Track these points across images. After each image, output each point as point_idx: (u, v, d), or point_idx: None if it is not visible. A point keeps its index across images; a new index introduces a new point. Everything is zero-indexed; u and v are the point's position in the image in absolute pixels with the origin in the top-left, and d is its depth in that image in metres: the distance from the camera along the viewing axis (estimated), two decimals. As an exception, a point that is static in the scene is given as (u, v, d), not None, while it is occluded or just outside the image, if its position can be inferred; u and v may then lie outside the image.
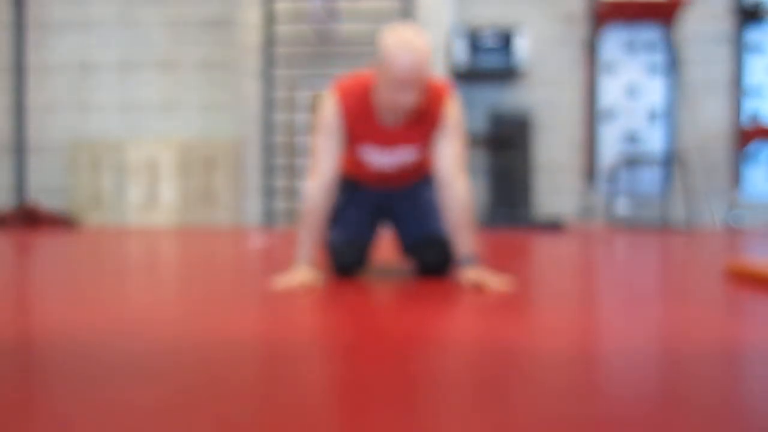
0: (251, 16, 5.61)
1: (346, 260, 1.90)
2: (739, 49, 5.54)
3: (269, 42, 5.52)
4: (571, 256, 2.68)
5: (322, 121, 1.77)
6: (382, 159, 1.84)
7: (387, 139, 1.79)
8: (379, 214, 2.04)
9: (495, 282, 1.65)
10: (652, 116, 5.59)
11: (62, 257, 2.58)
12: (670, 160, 5.53)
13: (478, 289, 1.64)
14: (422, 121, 1.77)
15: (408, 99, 1.64)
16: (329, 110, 1.76)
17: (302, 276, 1.68)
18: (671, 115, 5.56)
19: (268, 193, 5.58)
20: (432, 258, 1.90)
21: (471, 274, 1.69)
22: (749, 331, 1.13)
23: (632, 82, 5.59)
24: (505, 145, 5.34)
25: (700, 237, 4.13)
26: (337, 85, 1.80)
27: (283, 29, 5.61)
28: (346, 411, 0.70)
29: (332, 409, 0.70)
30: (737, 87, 5.56)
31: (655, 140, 5.60)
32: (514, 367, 0.89)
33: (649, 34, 5.57)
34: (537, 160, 5.70)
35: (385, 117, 1.74)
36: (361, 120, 1.76)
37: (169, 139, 5.87)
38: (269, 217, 5.59)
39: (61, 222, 5.58)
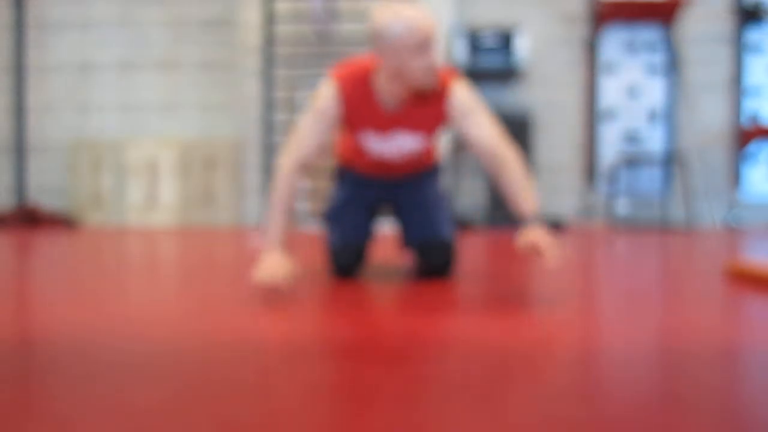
0: (251, 16, 5.61)
1: (345, 263, 1.90)
2: (739, 49, 5.54)
3: (269, 42, 5.52)
4: (571, 256, 2.68)
5: (317, 105, 1.70)
6: (381, 146, 1.80)
7: (386, 124, 1.74)
8: (381, 205, 2.02)
9: (552, 249, 1.51)
10: (652, 116, 5.59)
11: (62, 257, 2.58)
12: (670, 160, 5.53)
13: (536, 252, 1.52)
14: (425, 106, 1.72)
15: (434, 58, 1.58)
16: (327, 96, 1.70)
17: (279, 267, 1.54)
18: (671, 115, 5.56)
19: (268, 193, 5.59)
20: (436, 260, 1.89)
21: (531, 235, 1.54)
22: (749, 331, 1.13)
23: (632, 82, 5.59)
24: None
25: (700, 237, 4.14)
26: (336, 71, 1.74)
27: (283, 29, 5.61)
28: (346, 411, 0.70)
29: (332, 410, 0.70)
30: (737, 87, 5.56)
31: (655, 140, 5.59)
32: (514, 367, 0.89)
33: (649, 34, 5.57)
34: (537, 160, 5.70)
35: (387, 101, 1.69)
36: (362, 105, 1.71)
37: (169, 139, 5.87)
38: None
39: (61, 222, 5.58)
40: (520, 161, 1.65)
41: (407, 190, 1.98)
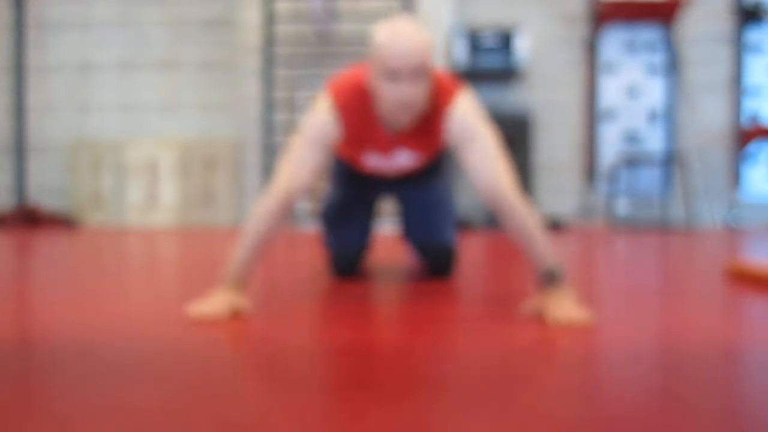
0: (251, 16, 5.61)
1: (345, 267, 1.89)
2: (739, 49, 5.54)
3: (269, 42, 5.52)
4: (571, 256, 2.68)
5: (312, 127, 1.48)
6: (379, 162, 1.66)
7: (386, 145, 1.58)
8: (381, 200, 1.94)
9: (577, 317, 1.22)
10: (652, 116, 5.59)
11: (62, 257, 2.58)
12: (670, 160, 5.53)
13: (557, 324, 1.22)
14: (426, 127, 1.53)
15: (408, 93, 1.37)
16: (324, 120, 1.48)
17: (220, 307, 1.30)
18: (671, 115, 5.56)
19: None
20: (436, 261, 1.89)
21: (553, 308, 1.25)
22: (749, 331, 1.13)
23: (632, 82, 5.58)
24: (505, 145, 5.34)
25: (700, 237, 4.13)
26: (333, 88, 1.52)
27: (283, 29, 5.61)
28: (345, 411, 0.70)
29: (332, 410, 0.70)
30: (737, 87, 5.56)
31: (655, 140, 5.59)
32: (515, 367, 0.89)
33: (649, 34, 5.57)
34: (537, 160, 5.70)
35: (388, 123, 1.50)
36: (362, 128, 1.53)
37: (169, 139, 5.87)
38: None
39: (61, 222, 5.58)
40: (526, 205, 1.38)
41: (409, 186, 1.88)
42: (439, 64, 5.35)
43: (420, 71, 1.37)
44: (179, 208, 5.74)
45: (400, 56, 1.34)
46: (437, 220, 1.88)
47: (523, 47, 5.26)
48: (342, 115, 1.50)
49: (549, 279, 1.31)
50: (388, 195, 1.94)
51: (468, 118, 1.47)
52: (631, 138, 5.60)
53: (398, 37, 1.35)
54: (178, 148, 5.74)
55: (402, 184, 1.90)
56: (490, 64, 5.26)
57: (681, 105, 5.60)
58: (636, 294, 1.59)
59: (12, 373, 0.85)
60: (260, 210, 1.40)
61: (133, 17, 6.10)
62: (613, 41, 5.59)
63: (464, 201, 5.66)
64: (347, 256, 1.88)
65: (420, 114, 1.48)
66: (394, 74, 1.36)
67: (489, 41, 5.25)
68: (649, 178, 5.61)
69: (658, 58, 5.56)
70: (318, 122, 1.48)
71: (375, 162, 1.66)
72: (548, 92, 5.69)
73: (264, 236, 1.39)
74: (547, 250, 1.34)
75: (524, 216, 1.36)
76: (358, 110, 1.51)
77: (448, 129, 1.49)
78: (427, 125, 1.53)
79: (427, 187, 1.89)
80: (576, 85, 5.67)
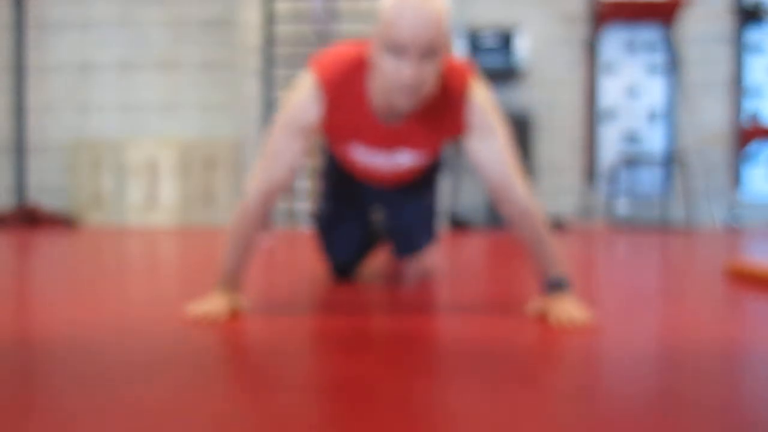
0: (251, 16, 5.62)
1: (342, 271, 1.87)
2: (739, 49, 5.54)
3: (269, 42, 5.52)
4: (571, 256, 2.68)
5: (290, 109, 1.31)
6: (372, 160, 1.46)
7: (383, 140, 1.38)
8: (375, 206, 1.86)
9: (578, 317, 1.22)
10: (652, 116, 5.59)
11: (62, 257, 2.58)
12: (670, 160, 5.53)
13: (559, 324, 1.21)
14: (435, 119, 1.34)
15: (413, 73, 1.15)
16: (304, 97, 1.30)
17: (219, 306, 1.29)
18: (671, 115, 5.56)
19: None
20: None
21: (551, 309, 1.26)
22: (749, 331, 1.13)
23: (632, 82, 5.58)
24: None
25: (700, 237, 4.13)
26: (318, 63, 1.32)
27: (283, 29, 5.61)
28: (344, 411, 0.70)
29: (331, 409, 0.70)
30: (737, 87, 5.56)
31: (655, 140, 5.59)
32: (514, 367, 0.89)
33: (649, 34, 5.57)
34: (537, 160, 5.70)
35: (385, 111, 1.31)
36: (351, 111, 1.32)
37: (169, 139, 5.87)
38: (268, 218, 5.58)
39: (61, 222, 5.58)
40: (532, 204, 1.32)
41: (401, 197, 1.78)
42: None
43: (431, 49, 1.14)
44: (179, 208, 5.74)
45: (409, 27, 1.12)
46: (419, 233, 1.88)
47: (523, 47, 5.26)
48: (326, 93, 1.29)
49: (555, 288, 1.30)
50: (379, 205, 1.84)
51: (487, 110, 1.32)
52: (631, 138, 5.60)
53: (409, 4, 1.12)
54: (178, 148, 5.74)
55: (394, 194, 1.77)
56: (490, 64, 5.26)
57: (681, 105, 5.60)
58: (636, 294, 1.59)
59: (12, 373, 0.85)
60: (241, 214, 1.34)
61: (133, 17, 6.10)
62: (613, 41, 5.59)
63: (464, 201, 5.66)
64: (341, 263, 1.85)
65: (425, 102, 1.29)
66: (399, 49, 1.13)
67: (489, 41, 5.25)
68: (649, 178, 5.61)
69: (658, 58, 5.56)
70: (297, 102, 1.30)
71: (368, 159, 1.46)
72: (548, 92, 5.69)
73: (249, 240, 1.35)
74: (555, 258, 1.31)
75: (535, 220, 1.31)
76: (346, 89, 1.30)
77: (470, 117, 1.31)
78: (438, 115, 1.33)
79: (419, 200, 1.79)
80: (576, 85, 5.67)
